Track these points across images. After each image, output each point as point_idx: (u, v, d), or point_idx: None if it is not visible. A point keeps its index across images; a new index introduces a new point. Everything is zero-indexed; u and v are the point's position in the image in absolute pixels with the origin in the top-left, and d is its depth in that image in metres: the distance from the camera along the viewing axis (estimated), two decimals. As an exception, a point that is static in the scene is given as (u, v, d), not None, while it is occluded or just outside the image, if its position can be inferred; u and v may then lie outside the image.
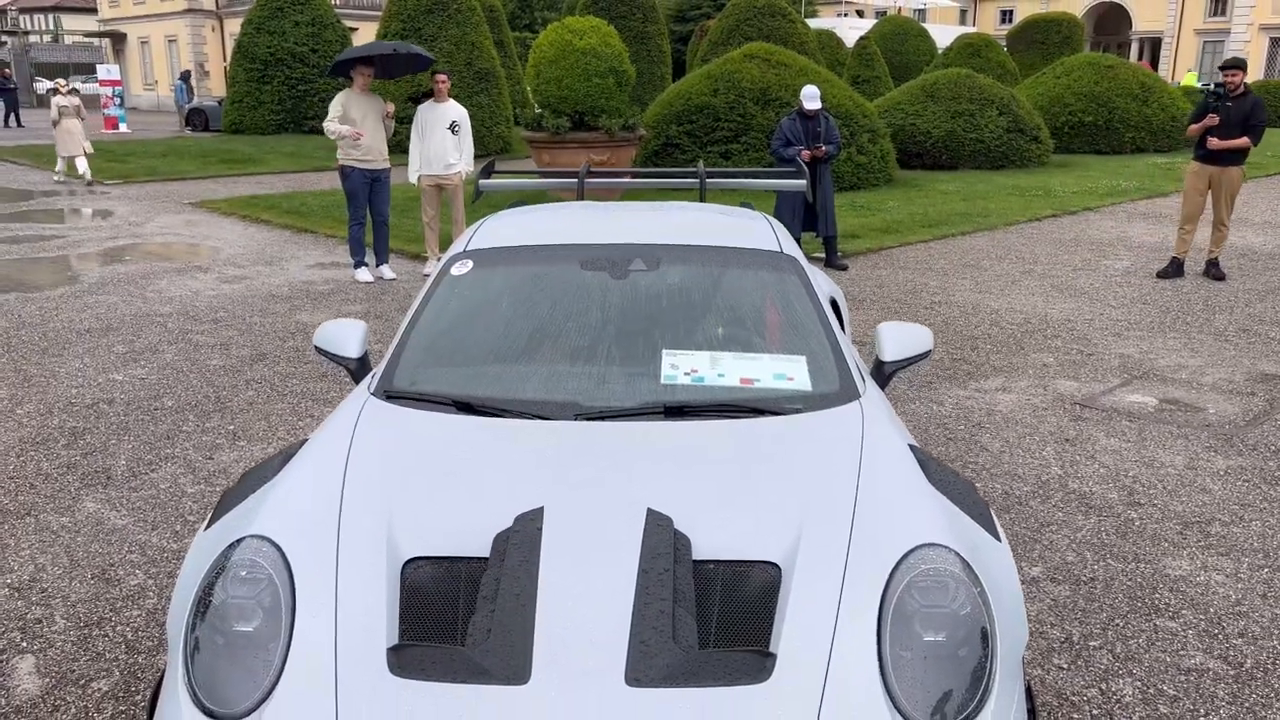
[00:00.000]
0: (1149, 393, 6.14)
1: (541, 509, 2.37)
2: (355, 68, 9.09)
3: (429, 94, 9.64)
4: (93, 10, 60.59)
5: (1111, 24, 56.09)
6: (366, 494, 2.50)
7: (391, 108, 9.25)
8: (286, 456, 2.80)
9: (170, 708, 2.12)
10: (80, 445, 5.27)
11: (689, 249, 3.53)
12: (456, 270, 3.51)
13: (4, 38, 61.28)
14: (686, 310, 3.38)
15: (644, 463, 2.63)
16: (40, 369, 6.60)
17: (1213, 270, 9.55)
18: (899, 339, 3.45)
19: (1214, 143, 9.04)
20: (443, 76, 9.41)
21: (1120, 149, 21.95)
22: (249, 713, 2.03)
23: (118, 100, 30.74)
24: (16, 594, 3.77)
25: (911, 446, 2.82)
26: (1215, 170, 9.24)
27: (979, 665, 2.09)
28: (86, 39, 60.08)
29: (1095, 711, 3.06)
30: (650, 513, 2.35)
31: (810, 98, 9.51)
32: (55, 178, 17.78)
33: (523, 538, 2.28)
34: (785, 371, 3.14)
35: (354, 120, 8.94)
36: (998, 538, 2.52)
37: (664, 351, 3.18)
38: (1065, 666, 3.28)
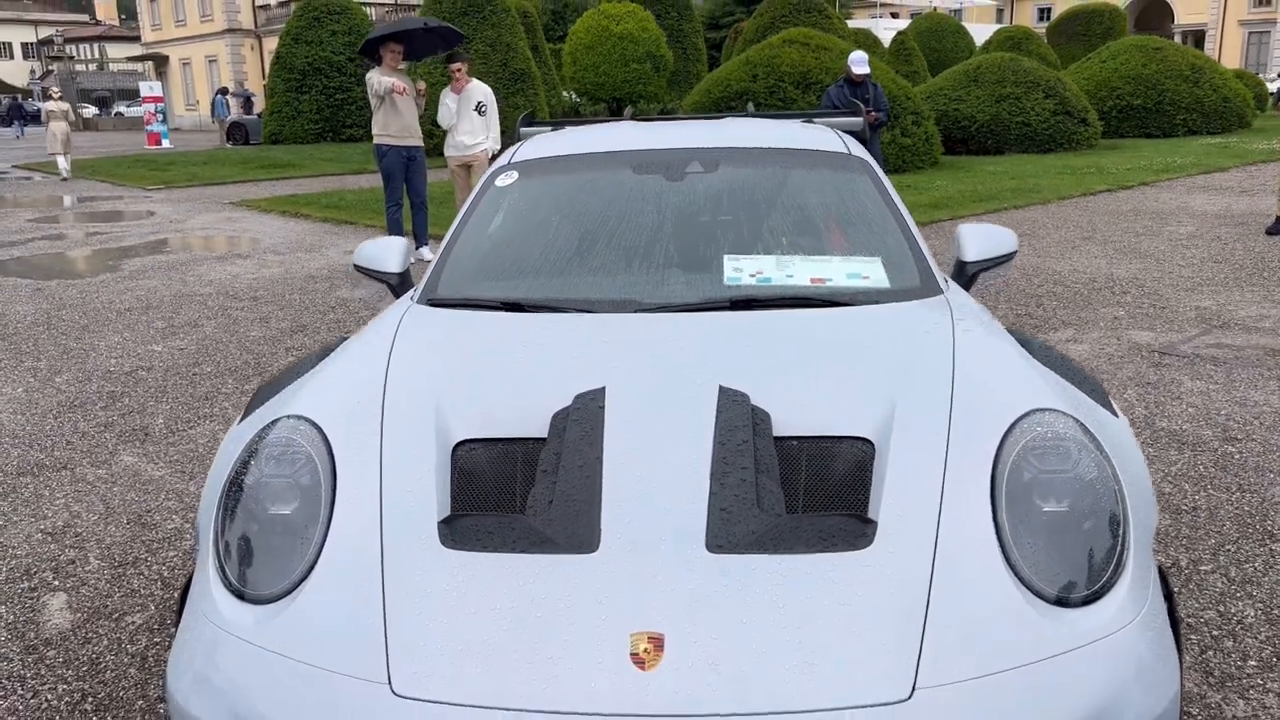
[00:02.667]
0: (1233, 339, 5.79)
1: (603, 389, 2.13)
2: (386, 45, 8.97)
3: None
4: (136, 38, 61.79)
5: (1154, 18, 55.11)
6: (412, 380, 2.28)
7: (423, 85, 9.19)
8: (325, 352, 2.60)
9: (201, 595, 1.91)
10: (118, 407, 5.12)
11: (750, 151, 3.29)
12: (502, 181, 3.29)
13: (52, 65, 62.61)
14: (749, 212, 3.14)
15: (713, 345, 2.39)
16: (79, 343, 6.50)
17: None
18: (981, 238, 3.18)
19: None
20: (457, 66, 9.23)
21: (1172, 132, 21.38)
22: (287, 593, 1.82)
23: (160, 117, 31.11)
24: (50, 538, 3.60)
25: (1009, 329, 2.56)
26: None
27: (1110, 536, 1.82)
28: (130, 63, 61.26)
29: (1215, 633, 2.76)
30: (723, 390, 2.11)
31: (858, 62, 9.23)
32: (61, 176, 20.13)
33: (583, 414, 2.05)
34: (860, 271, 2.88)
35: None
36: (1115, 414, 2.25)
37: (726, 256, 2.94)
38: (1177, 590, 2.99)
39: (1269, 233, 9.28)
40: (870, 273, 2.86)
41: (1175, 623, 1.95)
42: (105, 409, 5.09)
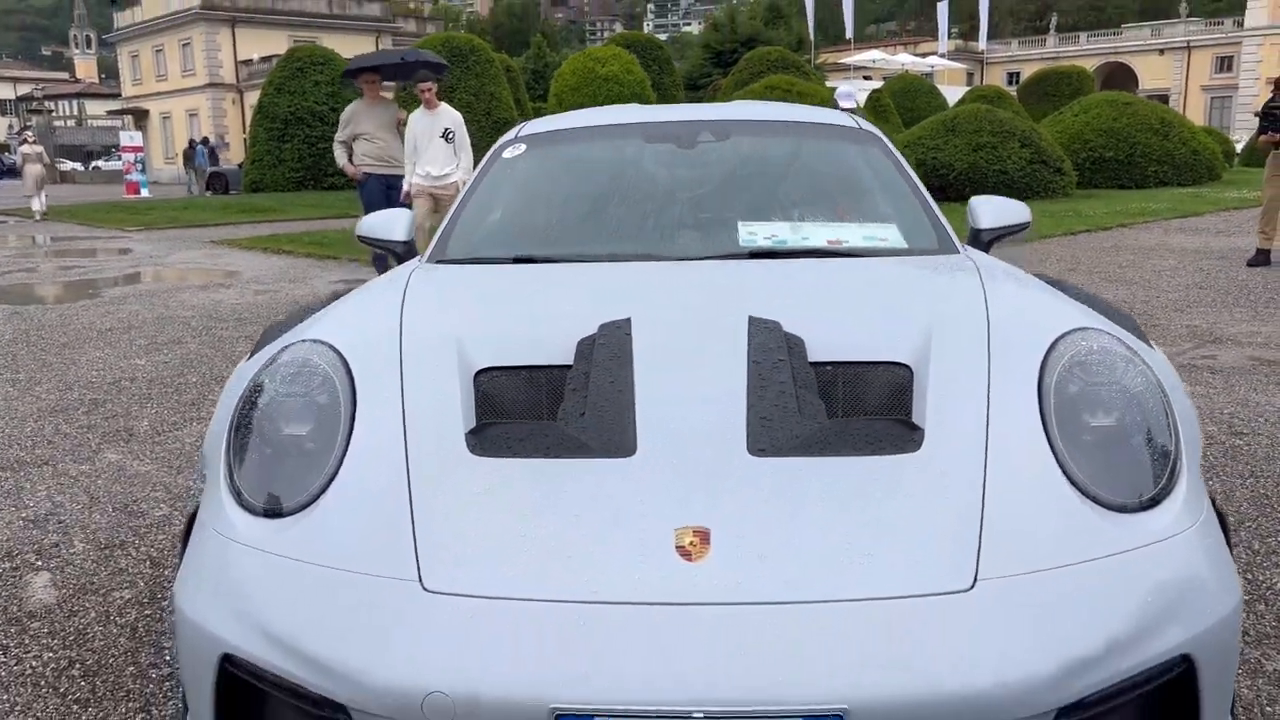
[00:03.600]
0: (1228, 351, 5.80)
1: (628, 319, 2.05)
2: (363, 75, 8.72)
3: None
4: (115, 95, 61.99)
5: (1119, 82, 56.57)
6: (429, 314, 2.21)
7: (404, 114, 8.76)
8: (334, 297, 2.52)
9: (211, 515, 1.81)
10: (101, 411, 4.98)
11: (760, 123, 3.27)
12: (509, 154, 3.24)
13: (30, 117, 62.64)
14: (762, 180, 3.11)
15: (738, 283, 2.34)
16: (59, 358, 6.35)
17: None
18: (994, 208, 3.15)
19: None
20: (426, 85, 8.45)
21: (1144, 183, 21.75)
22: (306, 505, 1.72)
23: (139, 166, 31.03)
24: (31, 524, 3.46)
25: (1037, 275, 2.52)
26: None
27: (1163, 445, 1.76)
28: (110, 117, 61.37)
29: (1247, 598, 2.69)
30: (753, 319, 2.04)
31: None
32: (35, 218, 20.18)
33: (610, 339, 1.97)
34: (876, 234, 2.85)
35: (364, 133, 8.55)
36: (1151, 347, 2.20)
37: (740, 222, 2.89)
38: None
39: (1250, 264, 9.39)
40: (887, 235, 2.83)
41: (1229, 545, 1.89)
42: (88, 414, 4.95)
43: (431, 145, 8.37)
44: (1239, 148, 35.14)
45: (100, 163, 56.79)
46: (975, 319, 2.05)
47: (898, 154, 3.24)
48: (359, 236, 3.23)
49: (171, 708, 2.28)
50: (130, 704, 2.31)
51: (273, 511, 1.74)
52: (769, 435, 1.71)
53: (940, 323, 2.04)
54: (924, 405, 1.81)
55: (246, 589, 1.63)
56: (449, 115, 8.49)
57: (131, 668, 2.47)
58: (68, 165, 57.59)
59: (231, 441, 1.88)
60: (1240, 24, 53.85)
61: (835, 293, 2.26)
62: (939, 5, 46.95)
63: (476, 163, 4.81)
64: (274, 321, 2.57)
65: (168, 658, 2.51)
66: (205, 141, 35.83)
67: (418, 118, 8.44)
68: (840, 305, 2.19)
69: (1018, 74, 60.17)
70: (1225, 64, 56.56)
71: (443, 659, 1.43)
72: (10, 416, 4.92)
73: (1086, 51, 59.59)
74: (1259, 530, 3.15)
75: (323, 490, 1.73)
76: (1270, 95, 9.65)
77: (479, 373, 1.98)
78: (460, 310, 2.24)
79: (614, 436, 1.73)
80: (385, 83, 9.08)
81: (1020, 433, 1.75)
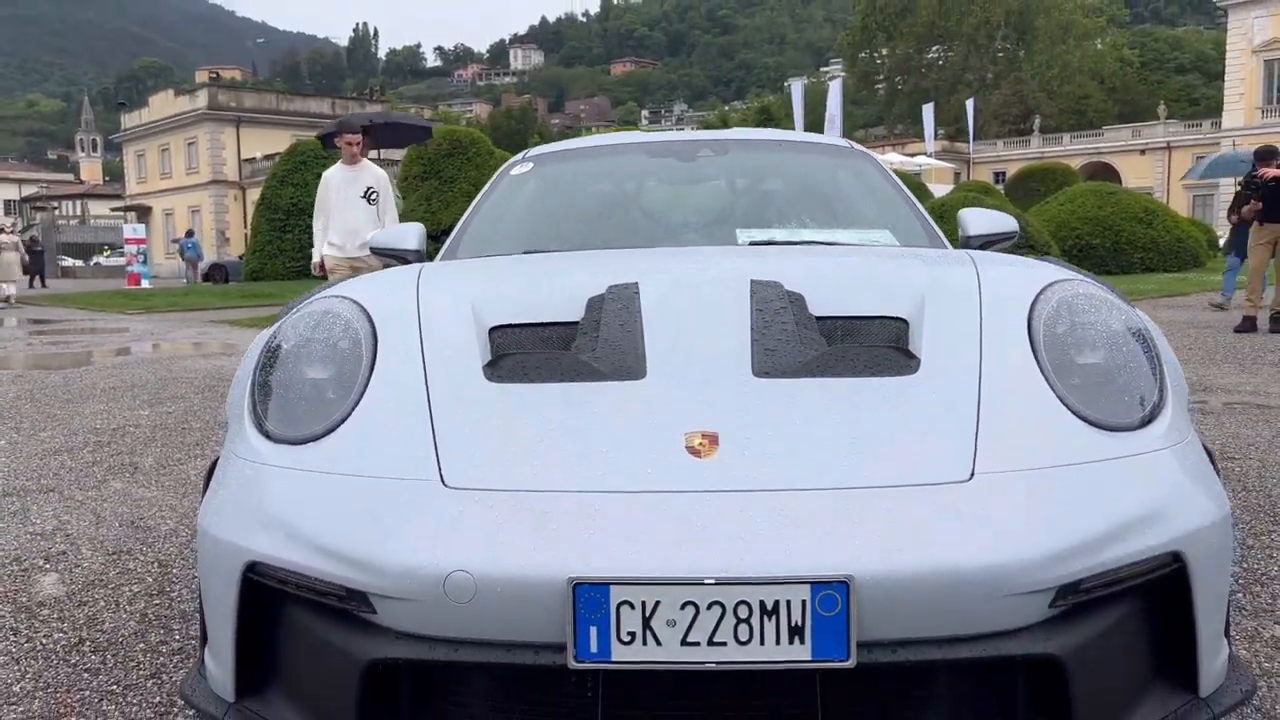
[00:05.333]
0: (1218, 398, 5.90)
1: (636, 282, 2.15)
2: (340, 137, 7.38)
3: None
4: (118, 196, 63.12)
5: (1102, 180, 57.84)
6: (444, 281, 2.31)
7: (372, 183, 7.29)
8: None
9: (234, 448, 1.87)
10: (106, 450, 5.03)
11: (758, 141, 3.43)
12: (517, 171, 3.39)
13: (35, 214, 63.60)
14: (759, 192, 3.25)
15: (739, 256, 2.45)
16: (64, 411, 6.41)
17: (1277, 325, 9.56)
18: (983, 218, 3.28)
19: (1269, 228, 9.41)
20: (352, 136, 7.14)
21: (1129, 269, 22.14)
22: (329, 431, 1.78)
23: (141, 258, 31.45)
24: (40, 537, 3.49)
25: None
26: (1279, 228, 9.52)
27: (1149, 378, 1.84)
28: (113, 214, 62.32)
29: (1244, 580, 2.74)
30: (755, 281, 2.14)
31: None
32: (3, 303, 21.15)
33: (619, 297, 2.07)
34: (870, 237, 2.98)
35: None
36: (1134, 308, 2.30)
37: (738, 229, 3.03)
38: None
39: (1237, 330, 9.56)
40: (880, 238, 2.95)
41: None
42: (93, 452, 5.00)
43: (350, 207, 7.10)
44: (1221, 241, 35.83)
45: (101, 258, 57.51)
46: (967, 280, 2.15)
47: (890, 171, 3.39)
48: (373, 248, 3.35)
49: (179, 681, 2.30)
50: (140, 673, 2.32)
51: (297, 440, 1.80)
52: (773, 360, 1.80)
53: (934, 286, 2.14)
54: (920, 344, 1.90)
55: (271, 500, 1.69)
56: (372, 172, 7.25)
57: (141, 644, 2.49)
58: (69, 261, 58.29)
59: (255, 384, 1.95)
60: (1218, 125, 55.46)
61: (834, 264, 2.37)
62: (924, 109, 48.34)
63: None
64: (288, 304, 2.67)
65: (177, 636, 2.54)
66: (190, 234, 36.46)
67: (333, 174, 7.20)
68: (838, 272, 2.29)
69: (1004, 173, 61.57)
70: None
71: (464, 542, 1.48)
72: (16, 455, 4.97)
73: (1070, 151, 61.12)
74: (1253, 529, 3.21)
75: (345, 418, 1.80)
76: (1253, 166, 9.97)
77: (492, 329, 2.07)
78: (473, 278, 2.34)
79: (625, 363, 1.81)
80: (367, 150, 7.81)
81: (1012, 363, 1.83)
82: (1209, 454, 1.90)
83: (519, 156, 3.50)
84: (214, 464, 1.99)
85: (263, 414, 1.87)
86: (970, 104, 46.88)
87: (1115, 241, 22.22)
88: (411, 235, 3.31)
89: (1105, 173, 59.66)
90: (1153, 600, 1.64)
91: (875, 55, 74.48)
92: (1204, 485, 1.71)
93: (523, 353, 1.91)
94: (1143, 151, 60.79)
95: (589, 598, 1.40)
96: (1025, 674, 1.54)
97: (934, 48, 72.22)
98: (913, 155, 50.87)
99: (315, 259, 7.24)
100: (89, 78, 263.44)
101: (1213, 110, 60.85)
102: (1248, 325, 9.60)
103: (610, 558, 1.43)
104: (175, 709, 2.13)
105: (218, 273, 31.44)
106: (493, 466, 1.60)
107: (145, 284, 31.13)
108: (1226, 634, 1.76)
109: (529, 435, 1.66)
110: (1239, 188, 10.80)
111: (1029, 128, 65.24)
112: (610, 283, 2.14)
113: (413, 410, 1.77)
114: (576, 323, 2.03)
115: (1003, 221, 3.27)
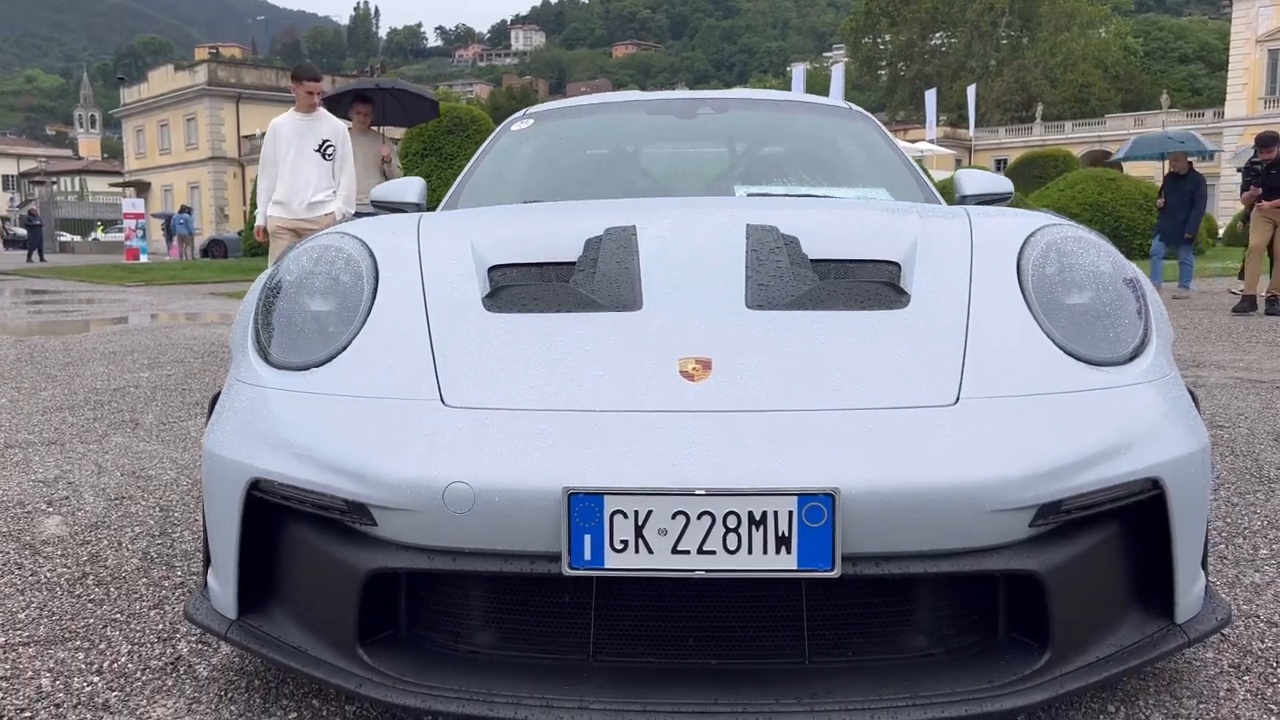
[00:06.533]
0: (1212, 373, 5.95)
1: (633, 225, 2.19)
2: (352, 106, 7.55)
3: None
4: (117, 173, 62.97)
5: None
6: (443, 222, 2.35)
7: (388, 150, 7.60)
8: None
9: (239, 374, 1.91)
10: (107, 409, 5.07)
11: (758, 100, 3.46)
12: (517, 127, 3.42)
13: (34, 188, 63.41)
14: (758, 150, 3.28)
15: (737, 203, 2.49)
16: (64, 372, 6.44)
17: (1273, 306, 9.61)
18: (978, 178, 3.32)
19: (1264, 206, 9.37)
20: (313, 85, 6.39)
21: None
22: (332, 357, 1.82)
23: (140, 233, 31.43)
24: (42, 485, 3.53)
25: None
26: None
27: (1134, 316, 1.89)
28: (111, 190, 62.15)
29: (1226, 534, 2.79)
30: (750, 225, 2.18)
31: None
32: None
33: (616, 237, 2.11)
34: (866, 195, 3.02)
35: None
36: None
37: (736, 185, 3.06)
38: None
39: (1235, 311, 9.59)
40: (876, 196, 2.99)
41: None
42: (94, 410, 5.03)
43: (302, 161, 6.25)
44: (1221, 231, 35.83)
45: (99, 234, 57.38)
46: (960, 227, 2.19)
47: (889, 133, 3.42)
48: (373, 201, 3.38)
49: (182, 612, 2.34)
50: (143, 603, 2.37)
51: (300, 366, 1.84)
52: (766, 294, 1.84)
53: (927, 232, 2.18)
54: (911, 282, 1.94)
55: (274, 420, 1.73)
56: (330, 124, 6.41)
57: (144, 579, 2.54)
58: (67, 237, 58.16)
59: (259, 314, 1.99)
60: (1220, 115, 55.33)
61: (829, 213, 2.41)
62: (927, 95, 48.20)
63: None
64: None
65: (179, 573, 2.58)
66: (185, 210, 36.37)
67: (284, 123, 6.36)
68: (833, 216, 2.33)
69: (1005, 160, 61.41)
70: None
71: (462, 455, 1.53)
72: (17, 412, 5.00)
73: (1072, 140, 60.93)
74: (1238, 489, 3.26)
75: (347, 345, 1.84)
76: (1255, 153, 9.99)
77: (491, 268, 2.10)
78: (473, 222, 2.38)
79: (621, 295, 1.85)
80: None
81: (1000, 299, 1.88)
82: (1192, 395, 1.94)
83: (518, 114, 3.53)
84: (217, 394, 2.04)
85: (266, 342, 1.91)
86: (971, 90, 46.73)
87: (1115, 228, 22.22)
88: (412, 189, 3.34)
89: (1107, 163, 59.59)
90: (1132, 527, 1.68)
91: (878, 41, 74.20)
92: (1184, 418, 1.76)
93: (521, 284, 1.95)
94: (1144, 141, 60.64)
95: (584, 507, 1.44)
96: (1006, 592, 1.59)
97: (937, 34, 71.96)
98: (914, 142, 50.74)
99: (259, 222, 6.36)
100: (88, 54, 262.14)
101: (1215, 100, 60.68)
102: (1247, 305, 9.65)
103: (604, 469, 1.47)
104: (179, 634, 2.17)
105: (216, 248, 31.43)
106: (491, 387, 1.65)
107: (144, 258, 31.13)
108: (1204, 566, 1.81)
109: (526, 359, 1.70)
110: (1239, 170, 10.86)
111: (1031, 115, 65.09)
112: (608, 225, 2.19)
113: (413, 337, 1.81)
114: (574, 263, 2.08)
115: (997, 182, 3.31)
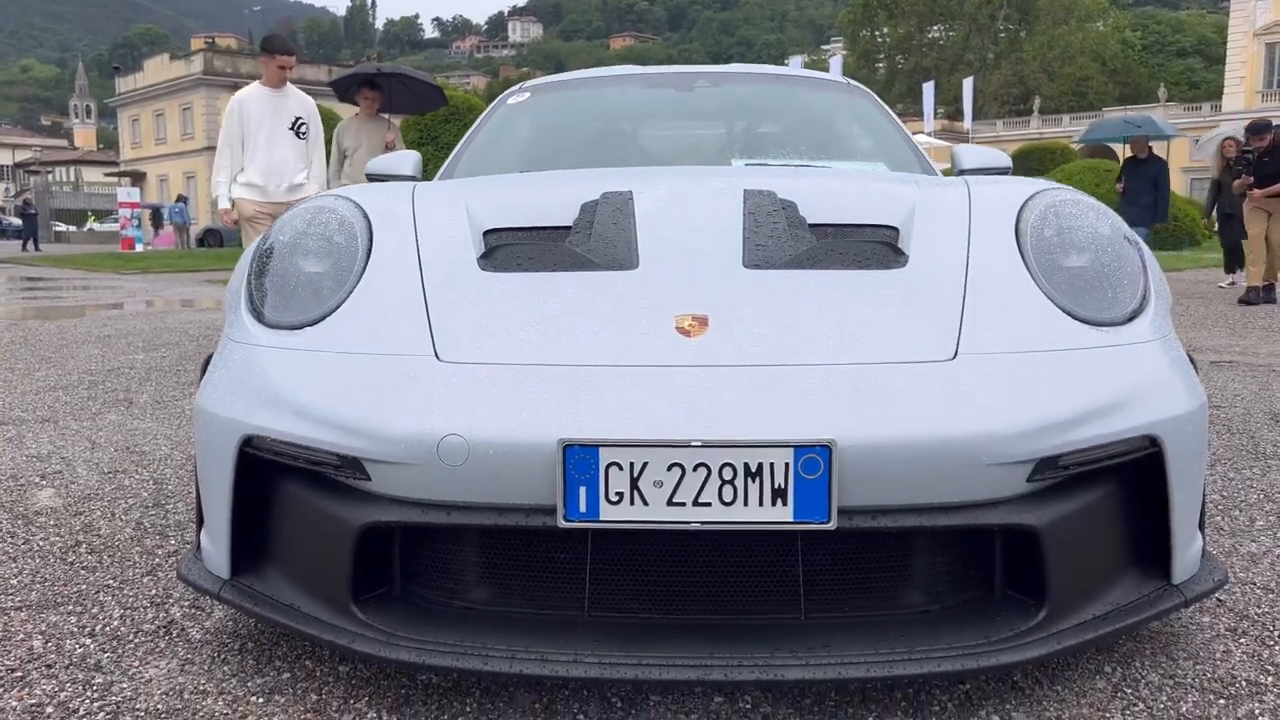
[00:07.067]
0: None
1: (629, 191, 2.17)
2: (360, 91, 7.35)
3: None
4: (113, 163, 62.74)
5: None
6: (438, 188, 2.33)
7: (393, 136, 7.30)
8: None
9: (233, 333, 1.90)
10: (101, 388, 5.05)
11: (757, 75, 3.44)
12: (514, 100, 3.40)
13: (29, 178, 63.24)
14: (756, 123, 3.27)
15: (735, 172, 2.48)
16: (59, 354, 6.42)
17: (1269, 294, 9.64)
18: (976, 153, 3.30)
19: (1256, 194, 9.34)
20: (285, 58, 5.94)
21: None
22: (329, 314, 1.81)
23: (135, 222, 31.31)
24: (36, 459, 3.51)
25: None
26: (1275, 202, 9.54)
27: (1133, 277, 1.88)
28: (107, 179, 61.94)
29: (1224, 509, 2.78)
30: (748, 190, 2.16)
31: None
32: None
33: (612, 201, 2.09)
34: (864, 169, 3.00)
35: (346, 149, 7.03)
36: None
37: (733, 158, 3.05)
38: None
39: (1241, 301, 9.57)
40: (875, 170, 2.98)
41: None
42: (88, 389, 5.02)
43: (276, 140, 5.87)
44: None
45: (94, 224, 57.15)
46: (958, 193, 2.18)
47: (887, 108, 3.41)
48: (369, 174, 3.36)
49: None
50: (135, 570, 2.36)
51: (293, 325, 1.83)
52: (763, 254, 1.83)
53: (925, 199, 2.16)
54: (909, 244, 1.93)
55: (267, 378, 1.72)
56: (300, 100, 6.03)
57: (138, 548, 2.53)
58: (62, 227, 57.94)
59: (252, 274, 1.97)
60: (1218, 108, 55.32)
61: (826, 177, 2.40)
62: (925, 87, 48.14)
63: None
64: None
65: (173, 542, 2.57)
66: (183, 199, 36.26)
67: (250, 97, 5.87)
68: (831, 182, 2.32)
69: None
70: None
71: (457, 408, 1.52)
72: (10, 391, 4.98)
73: (1070, 132, 60.91)
74: (1235, 465, 3.26)
75: (341, 304, 1.83)
76: (1245, 141, 9.98)
77: (487, 231, 2.09)
78: (468, 187, 2.36)
79: (617, 255, 1.84)
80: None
81: (999, 260, 1.87)
82: (1190, 359, 1.94)
83: (515, 88, 3.51)
84: (210, 355, 2.02)
85: (259, 303, 1.90)
86: (968, 83, 46.68)
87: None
88: (408, 161, 3.31)
89: (1104, 155, 59.57)
90: (1130, 485, 1.68)
91: (876, 33, 74.04)
92: (1181, 377, 1.75)
93: (517, 244, 1.93)
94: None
95: (579, 459, 1.43)
96: (1003, 549, 1.59)
97: (935, 26, 71.82)
98: (912, 134, 50.71)
99: (222, 203, 5.86)
100: (84, 44, 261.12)
101: (1213, 94, 60.69)
102: (1254, 295, 9.67)
103: (600, 421, 1.46)
104: (172, 599, 2.16)
105: (212, 238, 31.34)
106: (486, 343, 1.64)
107: (139, 248, 31.02)
108: (1201, 528, 1.80)
109: (522, 316, 1.69)
110: (1229, 161, 10.84)
111: (1029, 109, 65.01)
112: (605, 190, 2.17)
113: (407, 296, 1.79)
114: (570, 226, 2.06)
115: (996, 156, 3.29)
